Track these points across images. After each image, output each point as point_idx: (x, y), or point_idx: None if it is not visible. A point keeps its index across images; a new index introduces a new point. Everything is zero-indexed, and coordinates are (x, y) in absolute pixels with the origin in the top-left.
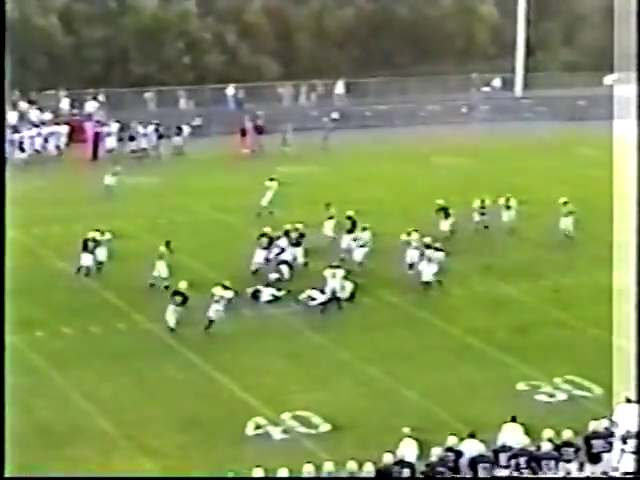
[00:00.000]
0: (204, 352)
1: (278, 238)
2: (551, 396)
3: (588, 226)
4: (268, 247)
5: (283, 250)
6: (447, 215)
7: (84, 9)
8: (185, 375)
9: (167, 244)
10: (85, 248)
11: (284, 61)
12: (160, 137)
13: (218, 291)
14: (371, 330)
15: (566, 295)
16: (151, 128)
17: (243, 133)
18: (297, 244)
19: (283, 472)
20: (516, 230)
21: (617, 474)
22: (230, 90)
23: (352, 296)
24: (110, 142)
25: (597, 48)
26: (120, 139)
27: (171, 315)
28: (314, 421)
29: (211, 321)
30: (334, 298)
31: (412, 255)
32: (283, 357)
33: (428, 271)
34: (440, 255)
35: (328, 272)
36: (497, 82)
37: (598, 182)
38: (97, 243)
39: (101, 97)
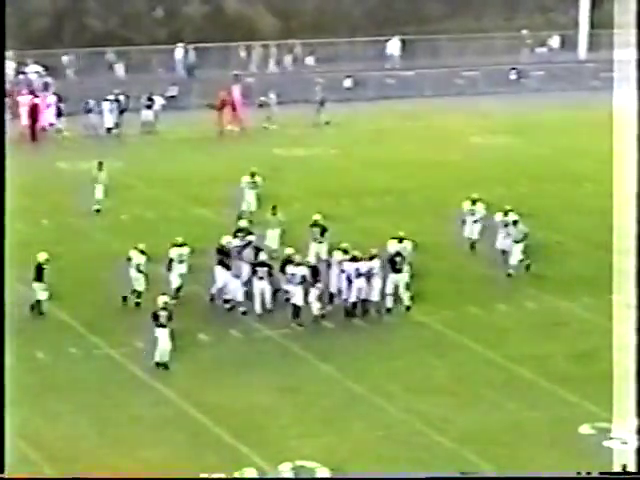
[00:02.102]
0: (180, 384)
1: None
2: (624, 443)
3: None
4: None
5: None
6: (323, 235)
7: None
8: (156, 413)
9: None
10: (39, 276)
11: (284, 14)
12: (122, 111)
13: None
14: (392, 357)
15: None
16: (107, 102)
17: (232, 106)
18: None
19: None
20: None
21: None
22: (179, 52)
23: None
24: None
25: None
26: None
27: (162, 342)
28: (320, 473)
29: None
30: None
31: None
32: (280, 391)
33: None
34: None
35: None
36: (554, 41)
37: None
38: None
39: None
